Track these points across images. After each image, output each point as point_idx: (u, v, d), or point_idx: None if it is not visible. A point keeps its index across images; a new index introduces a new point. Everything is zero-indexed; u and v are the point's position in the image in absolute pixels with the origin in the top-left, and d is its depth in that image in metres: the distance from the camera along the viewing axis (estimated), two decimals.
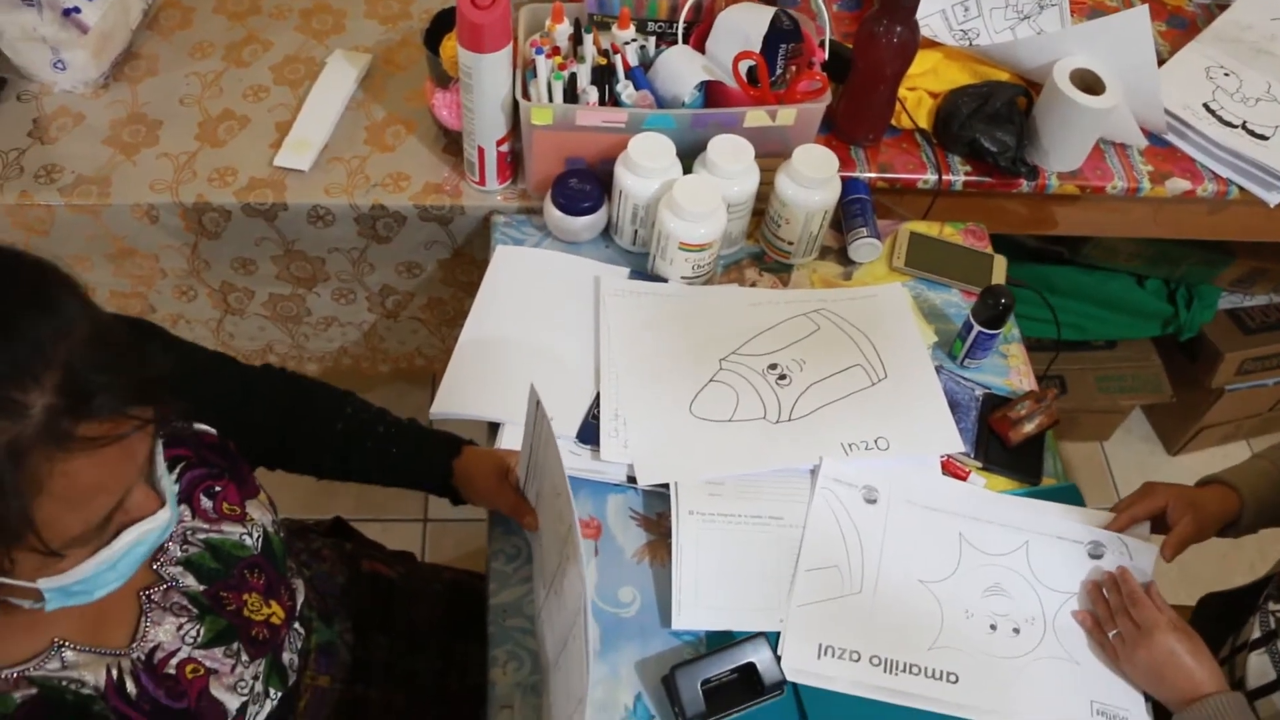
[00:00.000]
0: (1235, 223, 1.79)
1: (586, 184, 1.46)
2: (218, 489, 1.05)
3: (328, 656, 1.21)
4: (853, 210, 1.53)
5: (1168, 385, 2.31)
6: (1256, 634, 1.26)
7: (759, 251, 1.54)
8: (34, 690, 0.84)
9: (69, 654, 0.88)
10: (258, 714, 1.03)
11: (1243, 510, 1.35)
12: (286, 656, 1.09)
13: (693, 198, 1.37)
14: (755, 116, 1.44)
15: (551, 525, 1.11)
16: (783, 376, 1.38)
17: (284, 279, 1.65)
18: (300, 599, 1.14)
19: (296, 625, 1.13)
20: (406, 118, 1.62)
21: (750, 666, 1.16)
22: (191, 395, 0.92)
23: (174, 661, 0.95)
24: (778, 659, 1.17)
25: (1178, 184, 1.67)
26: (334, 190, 1.52)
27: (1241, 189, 1.68)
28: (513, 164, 1.54)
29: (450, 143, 1.59)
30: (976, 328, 1.40)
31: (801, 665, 1.19)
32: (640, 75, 1.48)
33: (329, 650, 1.22)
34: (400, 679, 1.34)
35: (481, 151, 1.48)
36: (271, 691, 1.05)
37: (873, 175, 1.61)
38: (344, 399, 1.25)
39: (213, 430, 1.06)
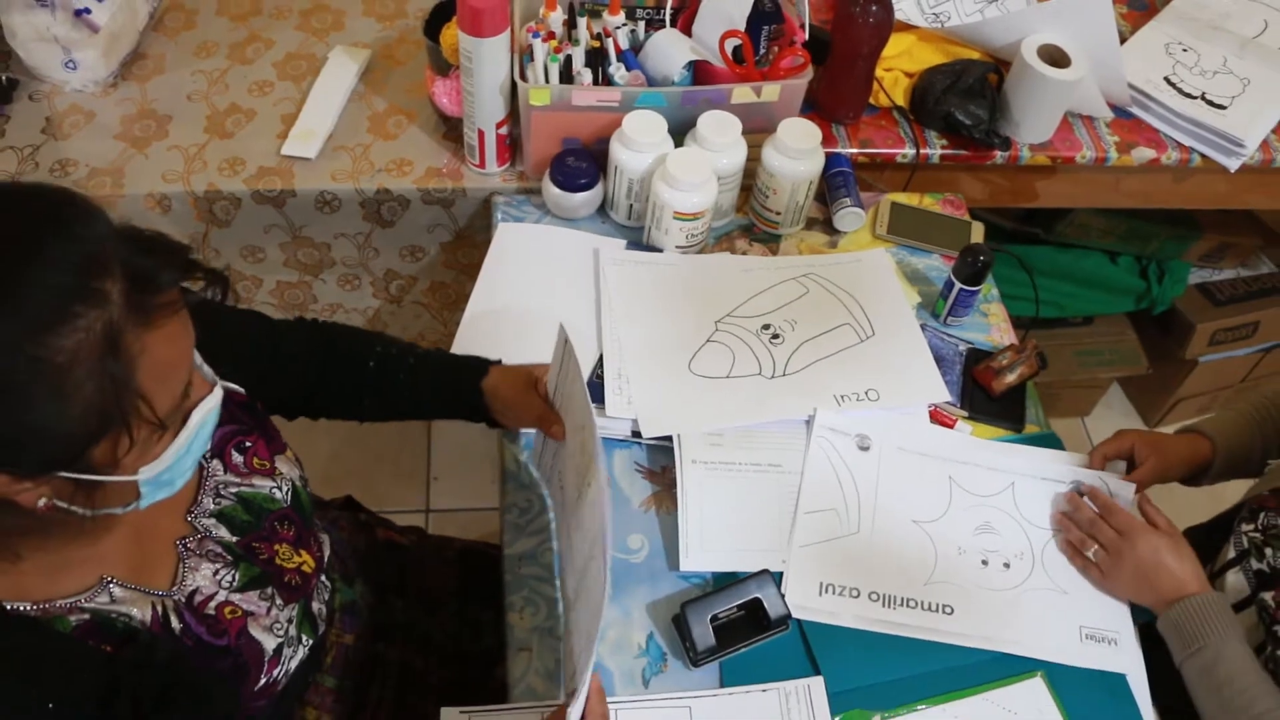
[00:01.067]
0: (1200, 191, 1.88)
1: (583, 162, 1.53)
2: (248, 444, 1.11)
3: (351, 616, 1.27)
4: (836, 182, 1.61)
5: (1144, 358, 2.39)
6: (1232, 555, 1.33)
7: (748, 223, 1.61)
8: (86, 616, 0.90)
9: (116, 590, 0.93)
10: (291, 658, 1.08)
11: (1214, 457, 1.42)
12: (316, 606, 1.15)
13: (685, 168, 1.44)
14: (741, 93, 1.52)
15: (574, 462, 1.17)
16: (776, 336, 1.45)
17: (291, 266, 1.71)
18: (327, 551, 1.20)
19: (324, 578, 1.19)
20: (407, 108, 1.69)
21: (756, 602, 1.22)
22: (224, 352, 0.99)
23: (213, 604, 1.00)
24: (782, 595, 1.23)
25: (1143, 153, 1.75)
26: (340, 176, 1.58)
27: (1204, 156, 1.76)
28: (511, 147, 1.61)
29: (450, 130, 1.66)
30: (958, 285, 1.47)
31: (804, 602, 1.25)
32: (631, 58, 1.55)
33: (352, 610, 1.28)
34: (417, 640, 1.40)
35: (481, 134, 1.55)
36: (304, 638, 1.11)
37: (854, 150, 1.69)
38: (373, 338, 1.29)
39: (241, 389, 1.12)
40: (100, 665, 0.89)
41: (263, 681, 1.04)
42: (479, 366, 1.28)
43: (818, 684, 1.20)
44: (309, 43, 1.76)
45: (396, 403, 1.29)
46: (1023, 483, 1.38)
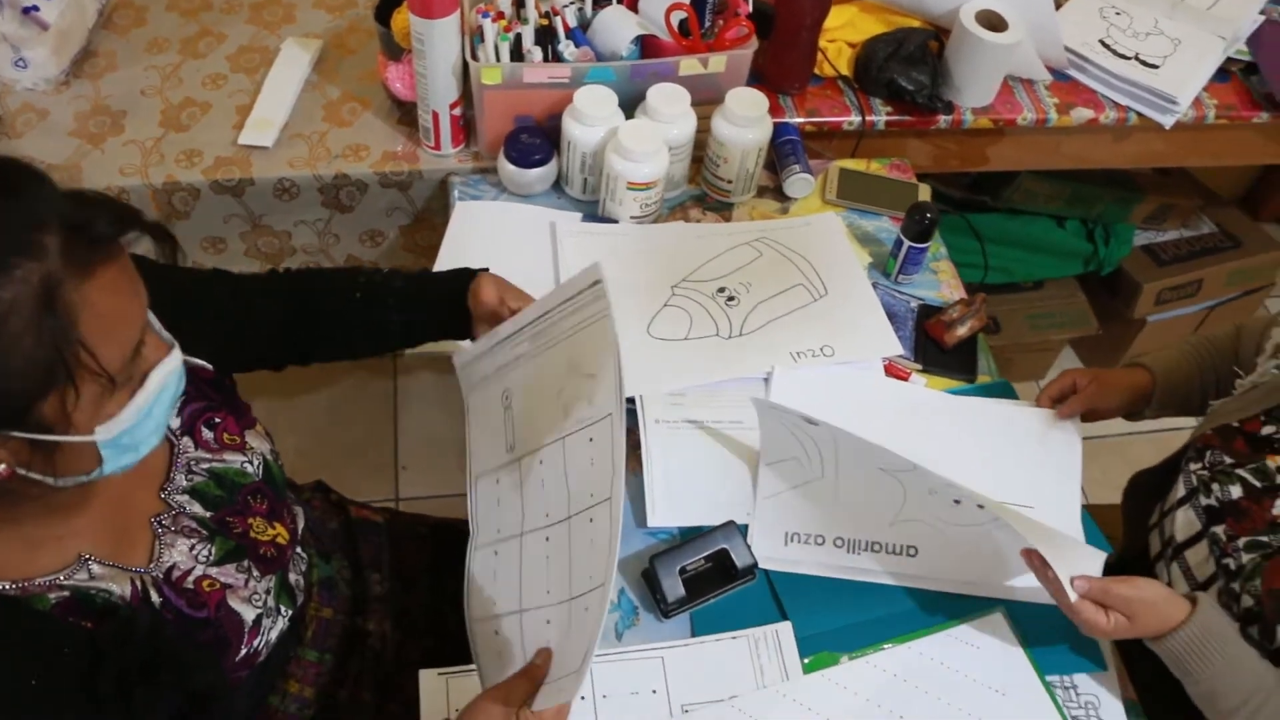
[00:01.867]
0: (1139, 150, 1.94)
1: (536, 139, 1.56)
2: (217, 420, 1.13)
3: (328, 590, 1.29)
4: (785, 150, 1.65)
5: (1094, 319, 2.45)
6: (1182, 493, 1.38)
7: (701, 193, 1.65)
8: (66, 593, 0.92)
9: (95, 567, 0.95)
10: (271, 628, 1.10)
11: (1154, 388, 1.47)
12: (293, 577, 1.17)
13: (637, 139, 1.47)
14: (689, 65, 1.56)
15: (547, 401, 1.12)
16: (731, 298, 1.48)
17: (252, 255, 1.73)
18: (301, 524, 1.22)
19: (300, 550, 1.21)
20: (361, 95, 1.71)
21: (724, 553, 1.25)
22: (191, 316, 1.01)
23: (191, 578, 1.02)
24: (748, 545, 1.26)
25: (1082, 113, 1.81)
26: (297, 163, 1.61)
27: (1140, 115, 1.82)
28: (465, 128, 1.64)
29: (404, 115, 1.68)
30: (907, 243, 1.51)
31: (770, 553, 1.28)
32: (580, 35, 1.59)
33: (329, 585, 1.30)
34: (396, 613, 1.42)
35: (436, 116, 1.58)
36: (282, 609, 1.12)
37: (801, 120, 1.73)
38: (355, 271, 1.29)
39: (208, 366, 1.14)
40: (81, 641, 0.91)
41: (243, 652, 1.06)
42: (467, 276, 1.26)
43: (786, 629, 1.24)
44: (260, 35, 1.78)
45: (388, 328, 1.27)
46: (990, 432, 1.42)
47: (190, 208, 1.62)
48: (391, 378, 2.45)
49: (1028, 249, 2.37)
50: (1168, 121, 1.81)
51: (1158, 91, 1.80)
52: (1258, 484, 1.28)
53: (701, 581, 1.25)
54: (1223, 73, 1.89)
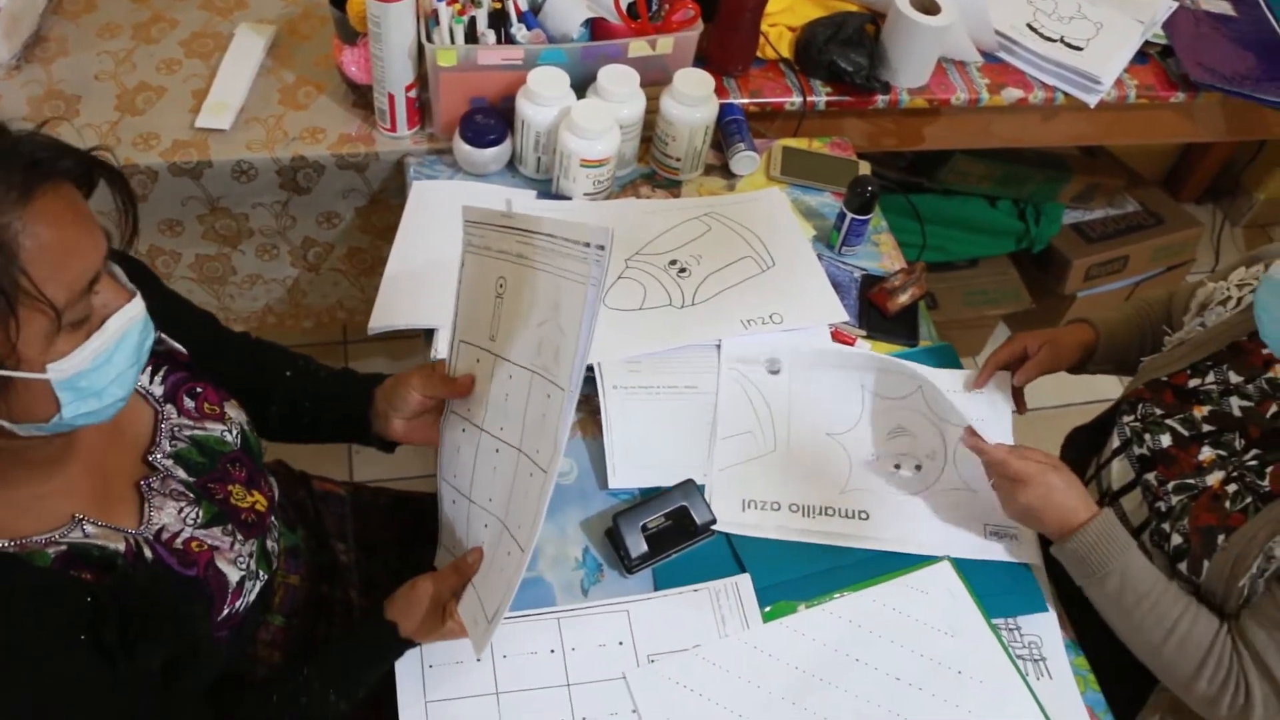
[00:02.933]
0: (1066, 130, 2.03)
1: (491, 119, 1.61)
2: (198, 390, 1.16)
3: (294, 558, 1.32)
4: (730, 129, 1.71)
5: (1027, 295, 2.55)
6: (1116, 444, 1.46)
7: (650, 171, 1.71)
8: (64, 548, 0.94)
9: (89, 527, 0.98)
10: (251, 590, 1.13)
11: (1098, 342, 1.55)
12: (270, 544, 1.20)
13: (589, 117, 1.52)
14: (637, 46, 1.61)
15: (530, 322, 1.09)
16: (683, 270, 1.54)
17: (210, 239, 1.75)
18: (276, 493, 1.25)
19: (273, 519, 1.24)
20: (316, 79, 1.74)
21: (683, 510, 1.31)
22: (174, 334, 1.05)
23: (180, 539, 1.06)
24: (706, 502, 1.32)
25: (1012, 93, 1.89)
26: (255, 145, 1.63)
27: (1066, 95, 1.91)
28: (420, 110, 1.68)
29: (359, 98, 1.72)
30: (849, 216, 1.58)
31: (728, 519, 1.34)
32: (531, 18, 1.63)
33: (295, 553, 1.33)
34: (361, 581, 1.45)
35: (392, 98, 1.62)
36: (261, 573, 1.16)
37: (745, 100, 1.79)
38: (295, 358, 1.34)
39: (183, 349, 1.17)
40: (82, 594, 0.93)
41: (225, 612, 1.09)
42: (377, 378, 1.28)
43: (745, 581, 1.29)
44: (214, 21, 1.80)
45: (299, 414, 1.31)
46: (929, 386, 1.48)
47: (148, 191, 1.64)
48: (342, 363, 2.47)
49: (963, 228, 2.46)
50: (1092, 100, 1.90)
51: (1082, 72, 1.89)
52: (1185, 433, 1.36)
53: (663, 538, 1.30)
54: (1142, 55, 1.99)
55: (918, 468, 1.42)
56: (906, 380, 1.48)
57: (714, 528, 1.32)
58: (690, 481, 1.33)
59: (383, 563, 1.50)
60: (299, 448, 1.43)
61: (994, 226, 2.47)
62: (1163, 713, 1.41)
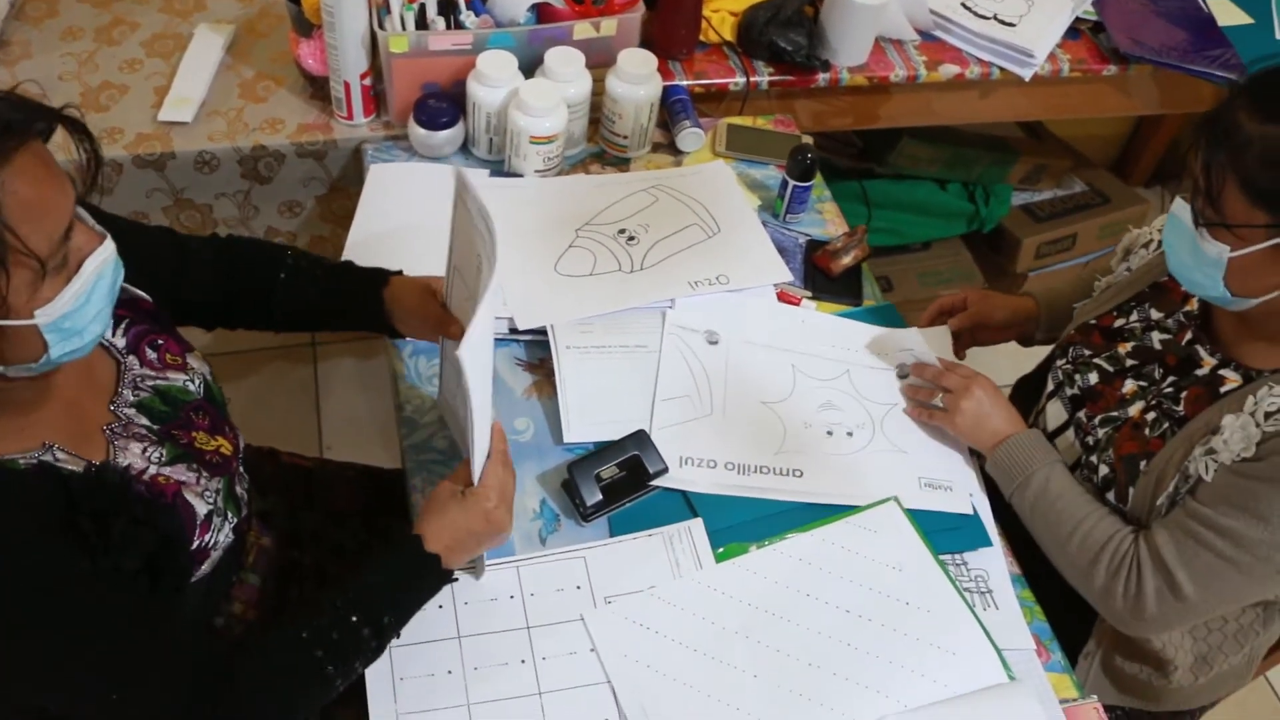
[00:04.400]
0: (1004, 105, 2.11)
1: (443, 103, 1.67)
2: (160, 342, 1.21)
3: (265, 522, 1.37)
4: (676, 108, 1.77)
5: (979, 274, 2.62)
6: (1050, 387, 1.52)
7: (599, 150, 1.77)
8: (35, 461, 0.99)
9: (59, 453, 1.02)
10: (220, 529, 1.17)
11: (1039, 312, 1.62)
12: (238, 490, 1.24)
13: (537, 95, 1.58)
14: (582, 29, 1.68)
15: (469, 277, 1.19)
16: (631, 238, 1.60)
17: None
18: (241, 442, 1.30)
19: (241, 469, 1.28)
20: (275, 74, 1.80)
21: (636, 459, 1.35)
22: (133, 262, 1.09)
23: (147, 475, 1.10)
24: (658, 452, 1.37)
25: (949, 69, 1.96)
26: (217, 136, 1.69)
27: (1002, 70, 1.98)
28: (376, 99, 1.74)
29: (317, 90, 1.78)
30: (792, 183, 1.64)
31: (668, 474, 1.38)
32: (479, 4, 1.70)
33: (266, 517, 1.38)
34: (329, 549, 1.49)
35: (347, 86, 1.68)
36: (229, 514, 1.20)
37: (690, 82, 1.85)
38: (283, 250, 1.37)
39: (148, 297, 1.22)
40: (57, 488, 0.98)
41: (196, 544, 1.13)
42: (379, 276, 1.35)
43: (698, 525, 1.34)
44: (173, 23, 1.86)
45: (306, 314, 1.37)
46: (856, 370, 1.54)
47: (113, 183, 1.69)
48: (312, 364, 2.52)
49: (914, 211, 2.53)
50: (1026, 74, 1.97)
51: (1015, 47, 1.96)
52: (1110, 369, 1.43)
53: (617, 487, 1.35)
54: (1074, 31, 2.07)
55: (849, 434, 1.47)
56: (834, 365, 1.53)
57: (666, 465, 1.35)
58: (642, 432, 1.37)
59: (351, 532, 1.54)
60: (267, 426, 1.48)
61: (945, 209, 2.55)
62: (1106, 644, 1.46)
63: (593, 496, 1.32)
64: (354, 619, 1.08)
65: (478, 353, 1.06)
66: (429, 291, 1.33)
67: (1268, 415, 1.22)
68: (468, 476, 1.17)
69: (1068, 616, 1.39)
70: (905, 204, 2.51)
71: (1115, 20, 2.06)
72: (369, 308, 1.35)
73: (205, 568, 1.17)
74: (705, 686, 1.21)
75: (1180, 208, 1.24)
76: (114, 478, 1.04)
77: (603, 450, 1.35)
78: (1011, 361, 1.79)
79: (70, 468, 1.02)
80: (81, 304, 0.97)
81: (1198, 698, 1.52)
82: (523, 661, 1.21)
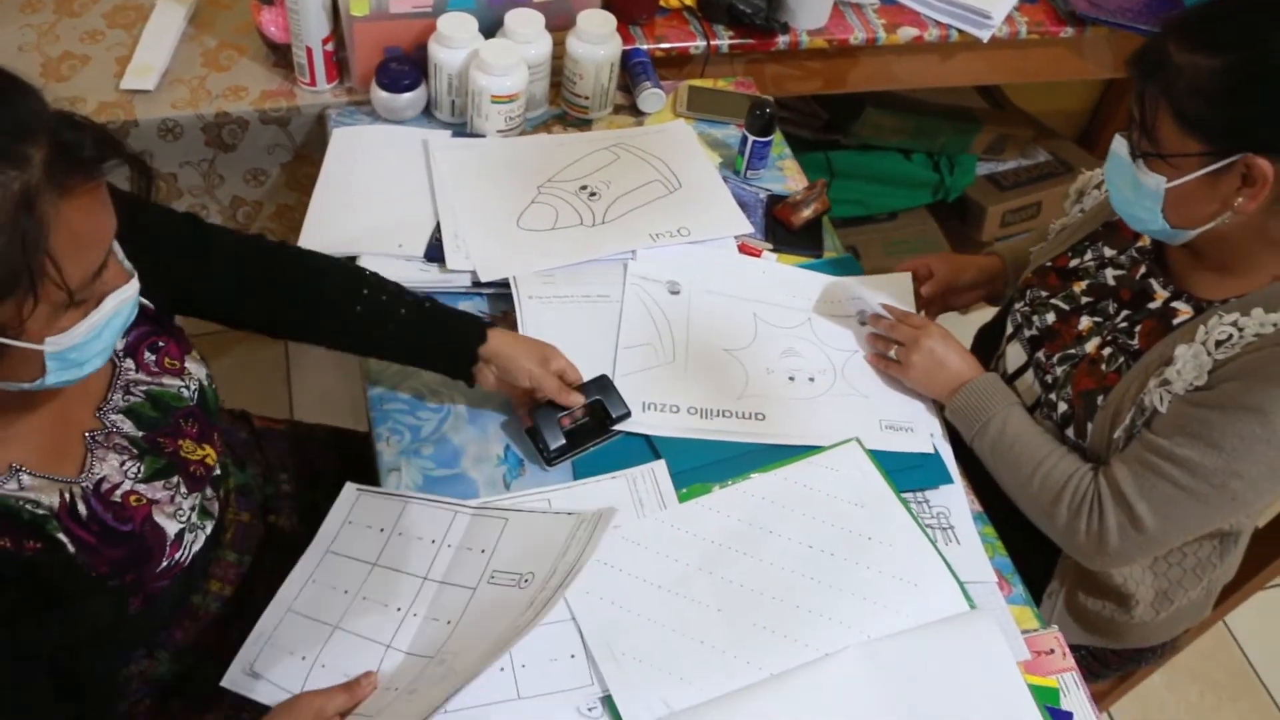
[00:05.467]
0: (964, 69, 2.13)
1: (405, 65, 1.68)
2: (160, 344, 1.20)
3: (244, 496, 1.37)
4: (636, 70, 1.79)
5: (945, 243, 2.65)
6: (1009, 330, 1.54)
7: (561, 112, 1.78)
8: None
9: (25, 478, 1.02)
10: (193, 542, 1.17)
11: (1005, 269, 1.65)
12: (209, 491, 1.24)
13: (498, 54, 1.60)
14: None
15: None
16: (593, 194, 1.61)
17: None
18: (223, 449, 1.30)
19: (218, 469, 1.28)
20: (237, 44, 1.81)
21: (598, 404, 1.37)
22: (148, 245, 1.07)
23: (119, 492, 1.09)
24: (620, 395, 1.38)
25: (908, 31, 1.99)
26: (180, 104, 1.70)
27: (960, 31, 2.01)
28: (338, 64, 1.75)
29: (280, 59, 1.78)
30: (751, 139, 1.66)
31: (631, 419, 1.39)
32: None
33: (245, 491, 1.37)
34: (303, 509, 1.50)
35: (310, 52, 1.69)
36: (205, 525, 1.20)
37: (651, 46, 1.87)
38: (360, 276, 1.34)
39: (150, 304, 1.20)
40: None
41: (165, 564, 1.13)
42: (478, 331, 1.32)
43: (660, 467, 1.36)
44: None
45: (379, 347, 1.35)
46: (818, 319, 1.56)
47: None
48: (282, 343, 2.52)
49: (880, 182, 2.56)
50: (984, 35, 2.00)
51: (972, 8, 1.99)
52: (1067, 308, 1.45)
53: (580, 432, 1.36)
54: None
55: (811, 380, 1.49)
56: (796, 313, 1.56)
57: (628, 409, 1.36)
58: (605, 377, 1.39)
59: (325, 493, 1.54)
60: (238, 404, 1.50)
61: (910, 178, 2.58)
62: (1069, 583, 1.48)
63: (555, 440, 1.33)
64: None
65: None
66: (544, 358, 1.33)
67: (1218, 343, 1.25)
68: (341, 705, 1.10)
69: (1032, 558, 1.41)
70: (871, 174, 2.53)
71: None
72: (461, 361, 1.33)
73: (179, 574, 1.17)
74: (670, 621, 1.22)
75: (1119, 144, 1.27)
76: (54, 570, 1.01)
77: None
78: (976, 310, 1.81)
79: (34, 502, 1.01)
80: (92, 338, 0.96)
81: (1159, 633, 1.55)
82: None
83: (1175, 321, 1.32)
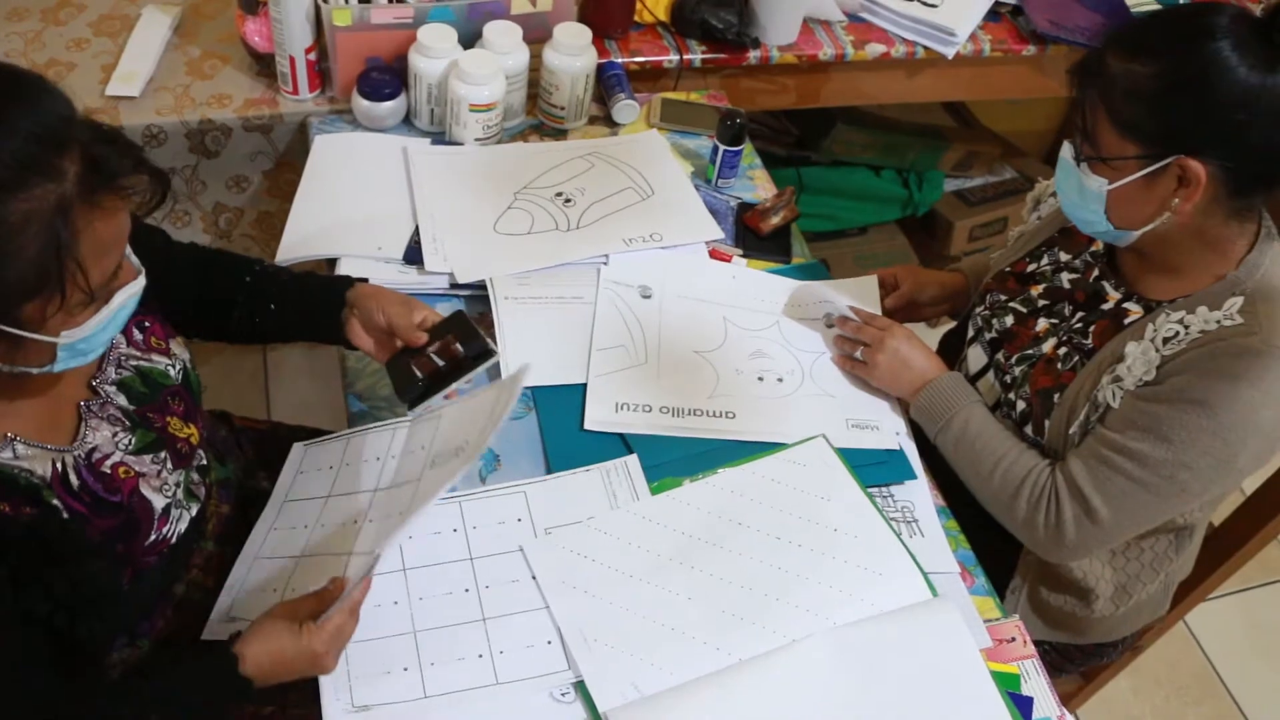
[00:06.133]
0: (930, 85, 2.19)
1: (386, 75, 1.72)
2: (146, 324, 1.25)
3: (225, 489, 1.40)
4: (611, 82, 1.84)
5: (915, 257, 2.71)
6: (970, 334, 1.59)
7: (538, 123, 1.83)
8: None
9: (20, 447, 1.05)
10: (179, 519, 1.21)
11: (968, 285, 1.70)
12: (195, 476, 1.28)
13: (476, 64, 1.65)
14: (519, 4, 1.75)
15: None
16: (568, 200, 1.66)
17: None
18: (206, 433, 1.33)
19: (202, 453, 1.32)
20: (222, 53, 1.85)
21: (456, 345, 1.31)
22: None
23: (109, 462, 1.13)
24: (480, 333, 1.31)
25: (876, 48, 2.05)
26: (164, 111, 1.73)
27: (926, 49, 2.07)
28: (321, 74, 1.79)
29: (264, 68, 1.82)
30: (722, 148, 1.71)
31: (603, 418, 1.43)
32: None
33: (226, 484, 1.40)
34: None
35: (293, 61, 1.73)
36: (190, 504, 1.24)
37: (626, 60, 1.92)
38: (251, 261, 1.41)
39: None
40: None
41: (153, 538, 1.16)
42: (345, 282, 1.38)
43: (633, 461, 1.39)
44: (120, 4, 1.90)
45: (264, 322, 1.39)
46: (786, 322, 1.60)
47: None
48: (261, 353, 2.56)
49: (850, 197, 2.62)
50: (949, 52, 2.06)
51: (938, 25, 2.05)
52: (1024, 310, 1.50)
53: (440, 375, 1.32)
54: (994, 14, 2.16)
55: (779, 380, 1.53)
56: (765, 317, 1.60)
57: (488, 352, 1.32)
58: (459, 314, 1.34)
59: None
60: (218, 398, 1.53)
61: (879, 194, 2.64)
62: (1031, 578, 1.53)
63: (409, 382, 1.31)
64: (152, 718, 1.09)
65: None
66: (404, 300, 1.34)
67: (1165, 340, 1.30)
68: (310, 609, 1.12)
69: (995, 557, 1.44)
70: (841, 190, 2.59)
71: (1034, 3, 2.16)
72: (332, 308, 1.36)
73: (165, 551, 1.20)
74: (641, 609, 1.25)
75: (1066, 149, 1.33)
76: (54, 529, 1.05)
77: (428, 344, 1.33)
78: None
79: (29, 471, 1.04)
80: (100, 330, 1.02)
81: (1120, 627, 1.59)
82: (466, 590, 1.25)
83: (1126, 321, 1.37)
